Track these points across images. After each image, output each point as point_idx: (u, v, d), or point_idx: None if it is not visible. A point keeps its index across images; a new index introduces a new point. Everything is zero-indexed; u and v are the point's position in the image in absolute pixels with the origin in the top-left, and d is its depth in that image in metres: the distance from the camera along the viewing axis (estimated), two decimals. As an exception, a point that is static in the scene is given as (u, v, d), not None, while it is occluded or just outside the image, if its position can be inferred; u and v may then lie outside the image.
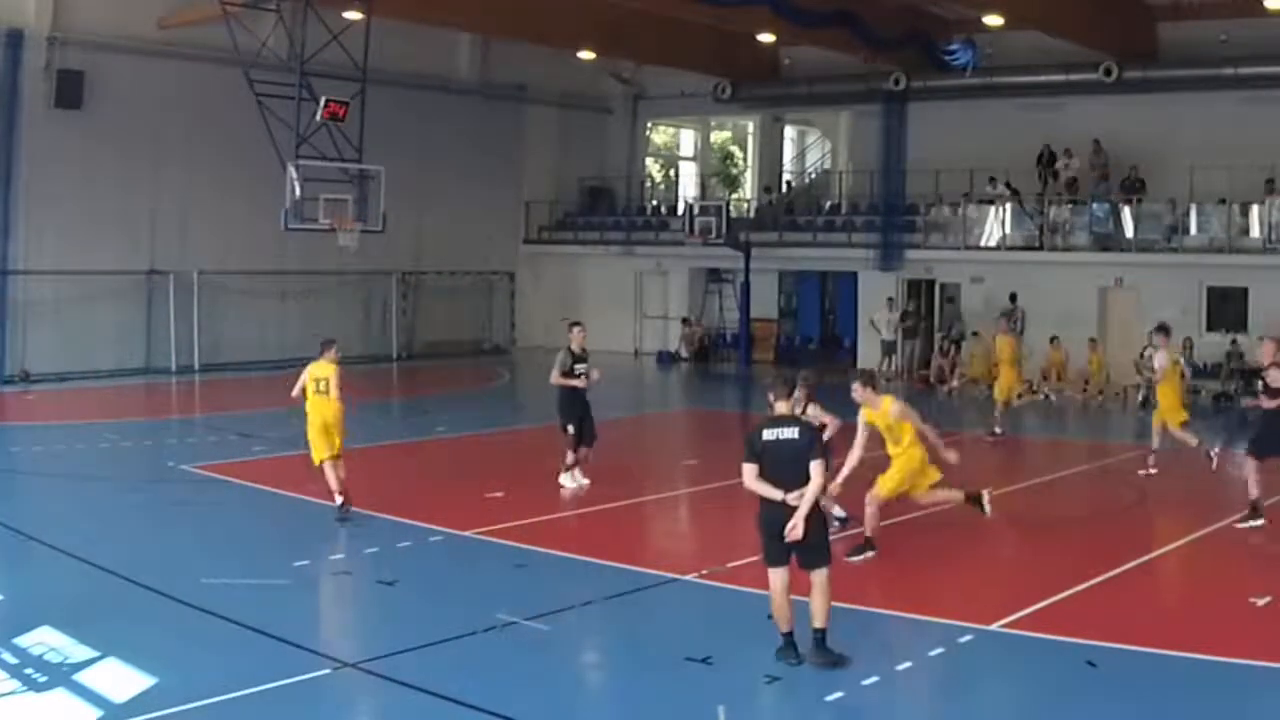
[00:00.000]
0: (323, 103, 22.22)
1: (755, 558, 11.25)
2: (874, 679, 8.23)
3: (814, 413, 11.74)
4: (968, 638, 9.07)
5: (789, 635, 8.43)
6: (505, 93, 33.27)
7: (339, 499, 12.94)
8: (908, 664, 8.51)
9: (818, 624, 8.46)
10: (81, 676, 8.19)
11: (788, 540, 8.24)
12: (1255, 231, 24.87)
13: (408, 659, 8.52)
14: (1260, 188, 24.48)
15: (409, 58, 28.93)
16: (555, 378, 14.72)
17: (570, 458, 14.72)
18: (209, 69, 25.15)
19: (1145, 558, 11.61)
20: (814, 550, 8.37)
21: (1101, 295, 26.46)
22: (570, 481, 14.72)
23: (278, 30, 24.29)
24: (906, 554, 12.40)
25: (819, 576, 8.44)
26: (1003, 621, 9.43)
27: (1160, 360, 15.90)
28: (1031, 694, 8.30)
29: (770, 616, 8.58)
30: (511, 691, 8.02)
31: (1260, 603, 9.95)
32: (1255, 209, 24.80)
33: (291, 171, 22.25)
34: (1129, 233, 26.37)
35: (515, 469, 16.09)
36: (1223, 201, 25.13)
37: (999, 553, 12.35)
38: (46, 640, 8.81)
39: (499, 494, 14.21)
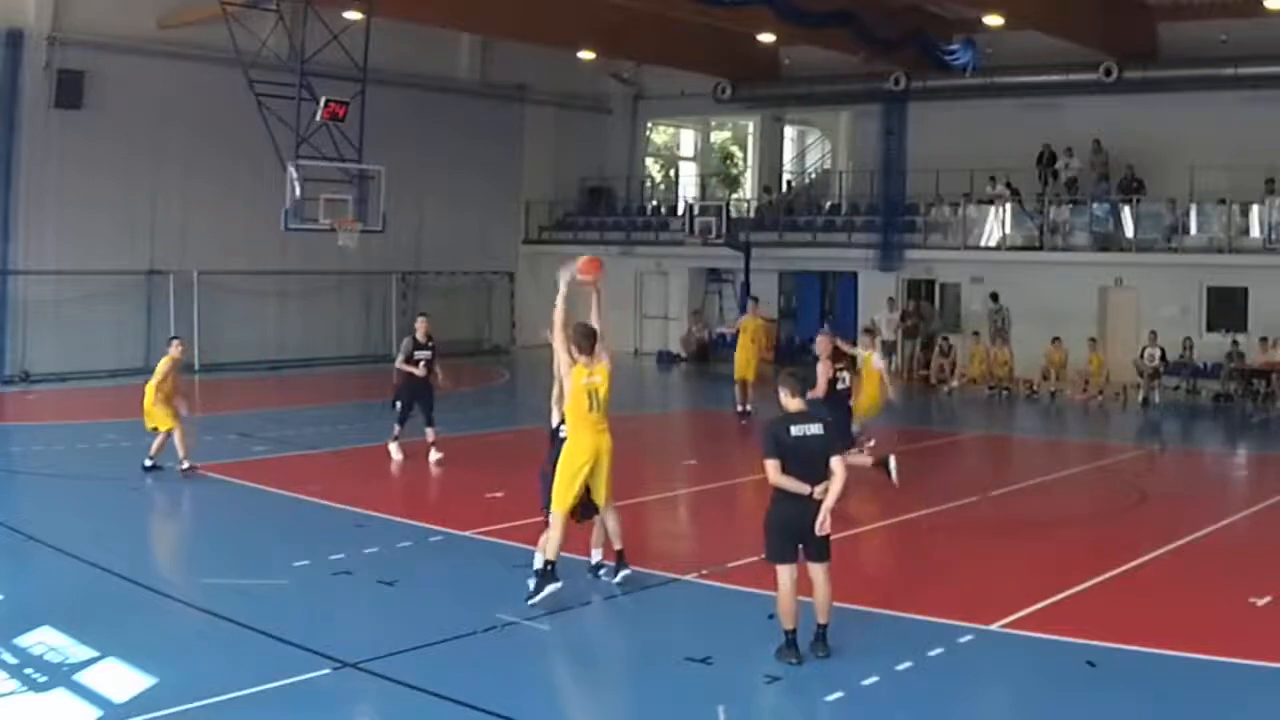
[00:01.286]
0: (323, 103, 22.24)
1: (755, 558, 11.29)
2: (874, 679, 8.23)
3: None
4: (968, 638, 9.07)
5: (793, 634, 8.43)
6: (505, 93, 33.28)
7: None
8: (908, 664, 8.50)
9: (824, 619, 8.54)
10: (81, 676, 8.19)
11: (820, 533, 8.31)
12: (1255, 231, 24.89)
13: (408, 659, 8.51)
14: (1260, 188, 24.48)
15: (409, 58, 28.94)
16: (399, 362, 16.21)
17: (396, 429, 16.17)
18: (209, 69, 25.14)
19: (1145, 558, 11.60)
20: (826, 544, 8.47)
21: (1101, 295, 26.47)
22: (396, 454, 16.11)
23: (278, 30, 24.34)
24: (906, 554, 12.42)
25: (825, 570, 8.51)
26: (1003, 621, 9.43)
27: (875, 360, 15.93)
28: (1031, 694, 8.30)
29: (772, 616, 8.58)
30: (511, 691, 8.02)
31: (1260, 603, 9.95)
32: (1255, 209, 24.82)
33: (291, 171, 22.27)
34: (1129, 233, 26.39)
35: (515, 469, 16.07)
36: (1223, 201, 25.14)
37: (999, 553, 12.35)
38: (46, 640, 8.80)
39: (499, 494, 14.21)
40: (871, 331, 17.14)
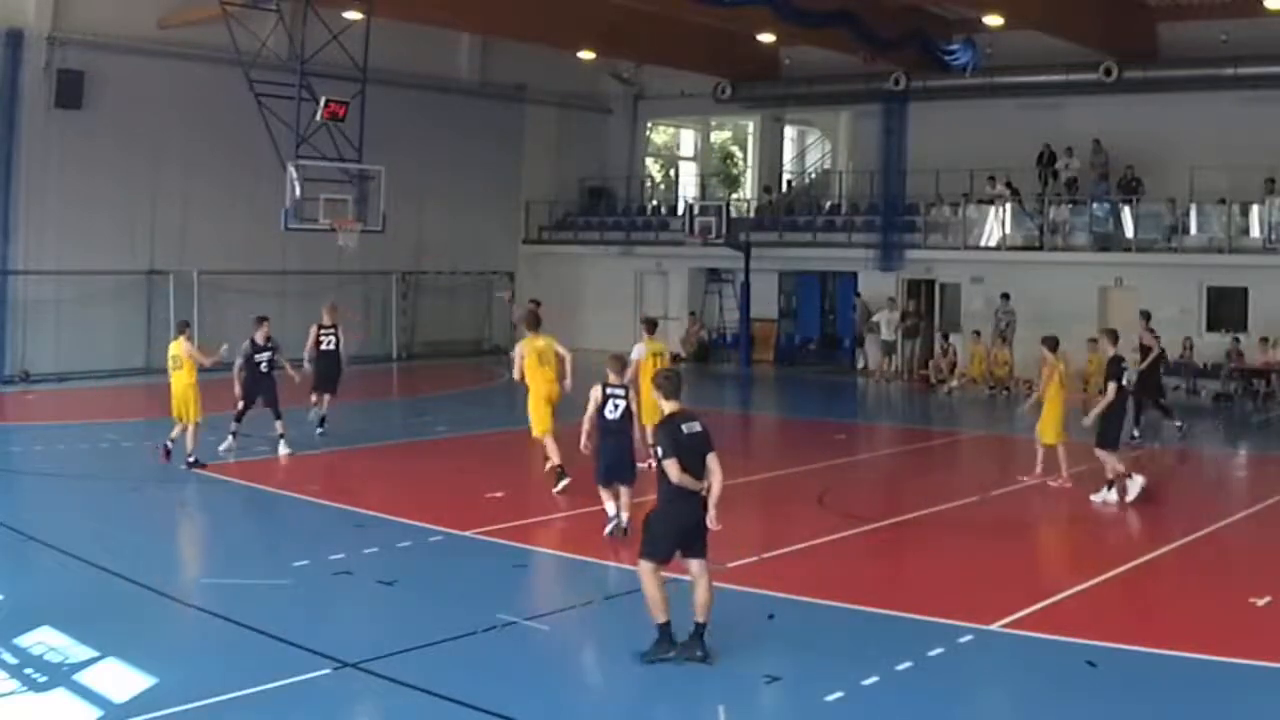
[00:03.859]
0: (323, 103, 22.20)
1: (754, 558, 11.32)
2: (874, 679, 8.23)
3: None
4: (968, 638, 9.07)
5: (668, 625, 8.52)
6: (505, 93, 33.27)
7: (192, 458, 15.40)
8: (908, 664, 8.51)
9: (704, 618, 8.58)
10: (81, 676, 8.19)
11: (712, 530, 8.53)
12: (1255, 231, 24.87)
13: (408, 659, 8.52)
14: (1260, 188, 24.48)
15: (409, 58, 28.92)
16: (239, 365, 16.96)
17: (235, 426, 16.94)
18: (209, 69, 25.14)
19: (1145, 558, 11.61)
20: (706, 540, 8.64)
21: (1101, 295, 26.45)
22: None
23: (278, 30, 24.32)
24: (906, 554, 12.42)
25: (704, 566, 8.64)
26: (1003, 621, 9.43)
27: (637, 352, 14.86)
28: (1031, 694, 8.30)
29: (772, 616, 8.57)
30: (511, 691, 8.02)
31: (1260, 603, 9.95)
32: (1255, 209, 24.80)
33: (291, 171, 22.24)
34: (1129, 233, 26.38)
35: (515, 469, 16.09)
36: (1223, 201, 25.13)
37: (999, 553, 12.35)
38: (46, 640, 8.81)
39: (499, 494, 14.21)
40: (650, 323, 16.63)
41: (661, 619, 8.51)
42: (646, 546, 8.64)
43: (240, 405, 16.79)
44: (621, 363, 12.31)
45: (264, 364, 16.74)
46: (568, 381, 14.36)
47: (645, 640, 8.73)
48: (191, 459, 15.40)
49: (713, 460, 8.57)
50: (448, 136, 30.99)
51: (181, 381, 15.37)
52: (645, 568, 8.55)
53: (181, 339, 15.66)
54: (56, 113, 24.62)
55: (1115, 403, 14.03)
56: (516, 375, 14.43)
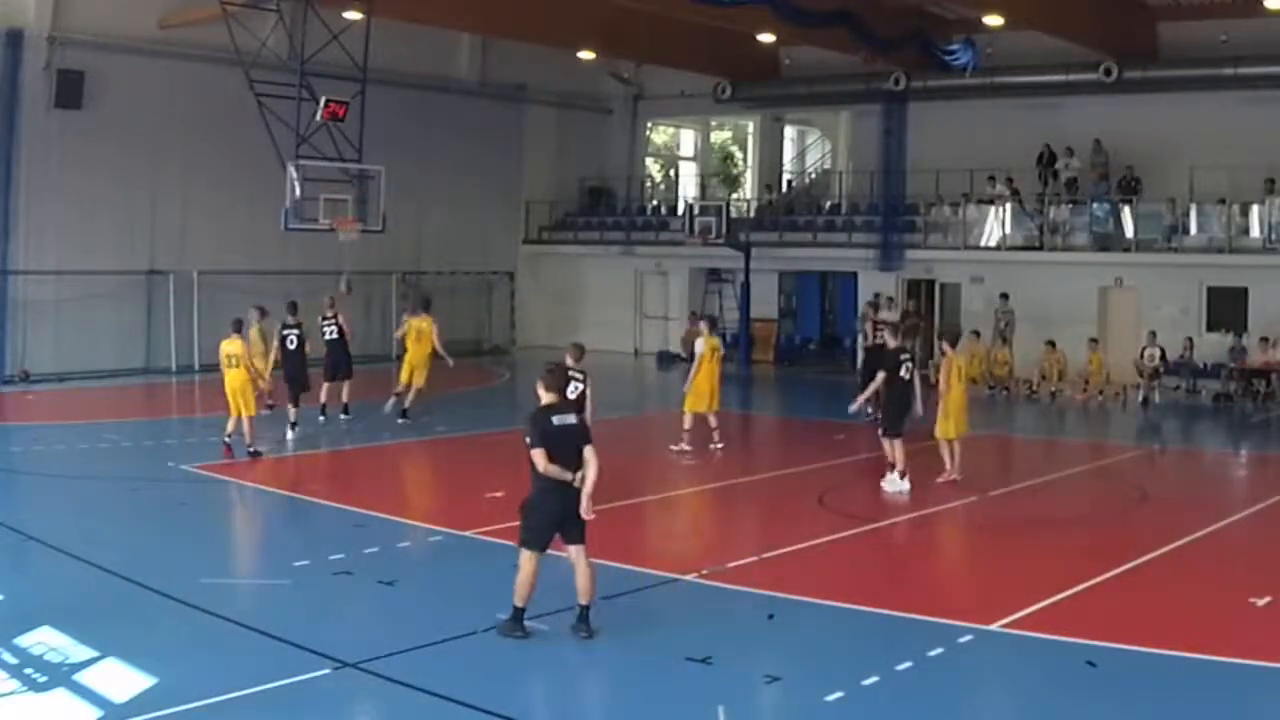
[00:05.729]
0: (323, 103, 22.20)
1: (754, 558, 11.33)
2: (874, 679, 8.23)
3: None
4: (968, 638, 9.07)
5: (523, 611, 8.89)
6: (505, 93, 33.28)
7: (251, 448, 16.12)
8: (908, 664, 8.51)
9: (586, 600, 9.01)
10: (81, 676, 8.19)
11: (585, 519, 8.85)
12: (1255, 231, 24.89)
13: (408, 659, 8.52)
14: (1260, 188, 24.48)
15: (409, 58, 28.93)
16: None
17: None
18: (209, 69, 25.14)
19: (1145, 558, 11.60)
20: (584, 527, 8.95)
21: (1101, 295, 26.46)
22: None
23: (278, 30, 24.32)
24: (907, 554, 12.42)
25: (583, 551, 9.00)
26: (1003, 621, 9.43)
27: (698, 347, 17.82)
28: (1031, 694, 8.31)
29: (772, 616, 8.57)
30: (511, 691, 8.02)
31: (1260, 603, 9.95)
32: (1255, 209, 24.81)
33: (291, 171, 22.24)
34: (1129, 233, 26.39)
35: (515, 469, 16.05)
36: (1223, 201, 25.13)
37: (999, 553, 12.36)
38: (46, 640, 8.81)
39: (499, 494, 14.20)
40: (700, 318, 18.50)
41: (520, 604, 8.89)
42: (523, 535, 9.02)
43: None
44: (581, 350, 13.86)
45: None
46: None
47: (644, 640, 8.74)
48: (250, 449, 16.07)
49: (589, 452, 8.88)
50: (448, 136, 30.99)
51: (240, 377, 15.90)
52: (524, 555, 8.93)
53: (237, 337, 16.23)
54: (56, 113, 24.60)
55: (900, 392, 14.64)
56: (398, 335, 20.12)
